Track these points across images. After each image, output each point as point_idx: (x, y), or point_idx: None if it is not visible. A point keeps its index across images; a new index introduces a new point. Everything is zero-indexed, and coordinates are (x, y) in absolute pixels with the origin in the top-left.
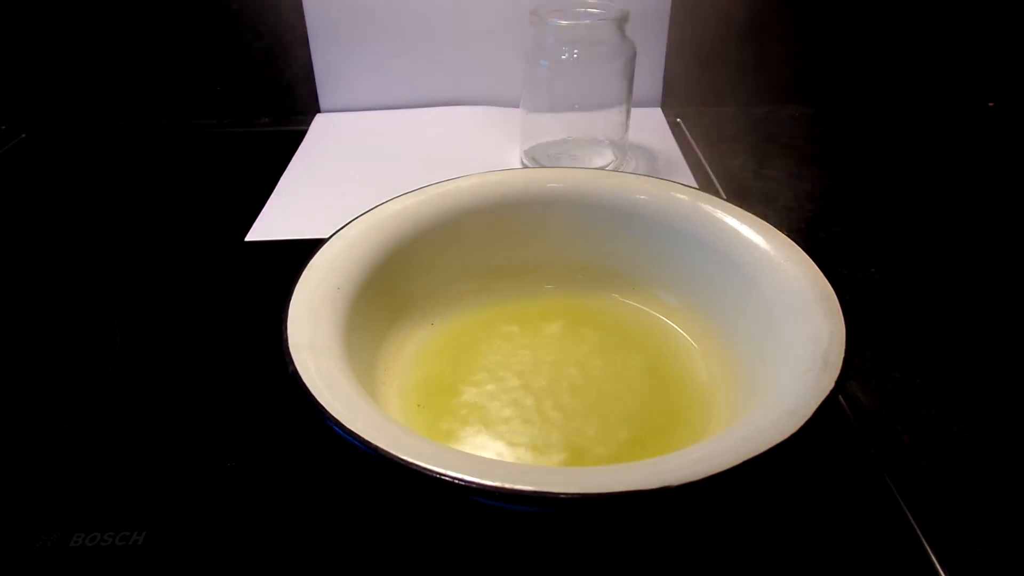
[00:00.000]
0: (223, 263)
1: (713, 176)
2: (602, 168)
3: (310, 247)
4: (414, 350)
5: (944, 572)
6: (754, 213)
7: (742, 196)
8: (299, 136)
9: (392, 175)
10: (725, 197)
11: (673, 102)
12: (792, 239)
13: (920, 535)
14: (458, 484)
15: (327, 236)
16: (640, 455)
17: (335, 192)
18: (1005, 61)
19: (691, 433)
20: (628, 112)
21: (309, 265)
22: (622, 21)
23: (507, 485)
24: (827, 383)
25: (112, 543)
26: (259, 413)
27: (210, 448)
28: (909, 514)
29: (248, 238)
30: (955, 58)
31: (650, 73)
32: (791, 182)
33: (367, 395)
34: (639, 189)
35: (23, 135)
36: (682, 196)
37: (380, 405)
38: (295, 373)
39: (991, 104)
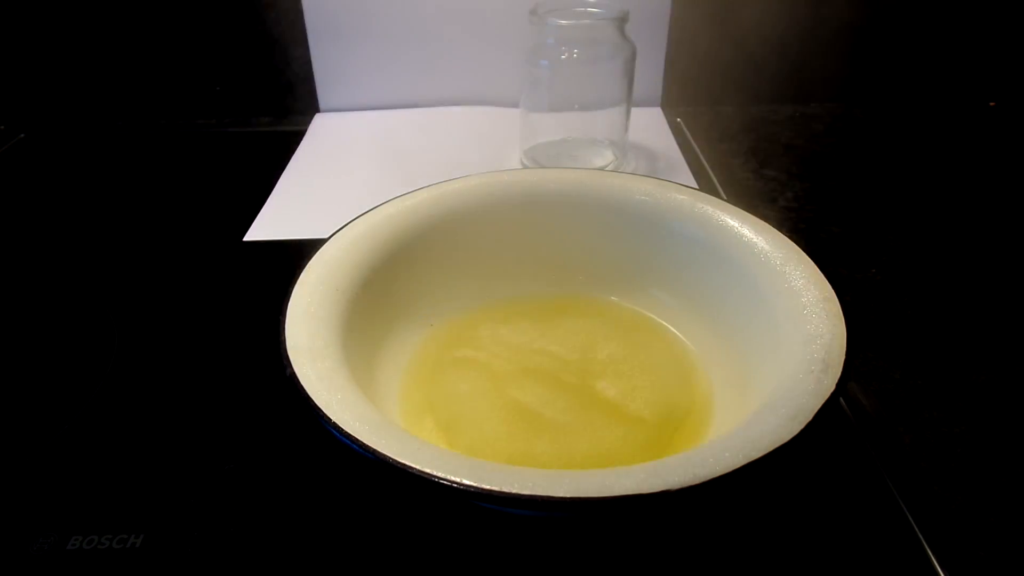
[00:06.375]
0: (221, 263)
1: (713, 176)
2: (602, 168)
3: (309, 247)
4: (413, 352)
5: (944, 574)
6: (754, 213)
7: (742, 196)
8: (298, 136)
9: (392, 175)
10: (725, 197)
11: (673, 102)
12: (792, 239)
13: (920, 537)
14: (457, 488)
15: (326, 237)
16: (640, 458)
17: (334, 192)
18: (1005, 61)
19: (691, 436)
20: (628, 112)
21: (308, 266)
22: (622, 21)
23: (507, 489)
24: (828, 385)
25: (110, 546)
26: (257, 416)
27: (208, 450)
28: (909, 515)
29: (246, 238)
30: (956, 58)
31: (650, 73)
32: (791, 182)
33: (366, 398)
34: (639, 189)
35: (22, 135)
36: (682, 196)
37: (379, 408)
38: (293, 375)
39: (992, 104)
